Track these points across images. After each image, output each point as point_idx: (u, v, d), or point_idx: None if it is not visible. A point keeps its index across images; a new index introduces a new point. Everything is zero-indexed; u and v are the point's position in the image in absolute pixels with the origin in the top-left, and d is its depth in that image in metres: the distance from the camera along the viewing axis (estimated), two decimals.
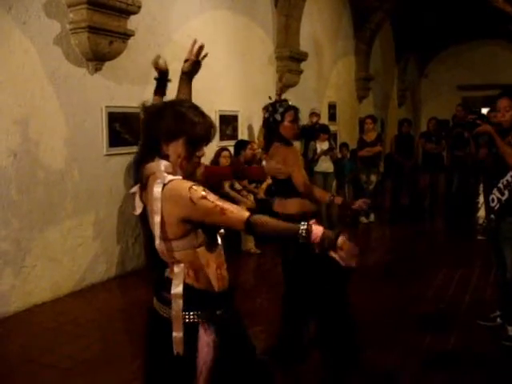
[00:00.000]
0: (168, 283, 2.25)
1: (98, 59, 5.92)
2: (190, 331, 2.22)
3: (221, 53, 8.23)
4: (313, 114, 9.92)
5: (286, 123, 3.97)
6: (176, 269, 2.22)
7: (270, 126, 4.03)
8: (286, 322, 4.05)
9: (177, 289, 2.21)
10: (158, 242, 2.18)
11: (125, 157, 6.49)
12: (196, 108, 2.30)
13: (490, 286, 5.61)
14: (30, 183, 5.39)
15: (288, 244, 3.87)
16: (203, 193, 2.11)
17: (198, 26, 7.68)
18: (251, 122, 8.94)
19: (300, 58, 10.11)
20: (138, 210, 2.32)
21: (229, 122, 8.24)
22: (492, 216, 4.43)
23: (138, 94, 6.64)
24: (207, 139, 2.29)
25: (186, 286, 2.22)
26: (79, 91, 5.89)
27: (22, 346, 4.52)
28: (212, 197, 2.12)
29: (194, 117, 2.23)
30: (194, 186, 2.12)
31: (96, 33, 5.68)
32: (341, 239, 2.05)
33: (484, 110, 11.64)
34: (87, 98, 5.99)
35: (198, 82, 7.53)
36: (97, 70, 6.02)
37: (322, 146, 9.12)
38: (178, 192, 2.12)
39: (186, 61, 3.12)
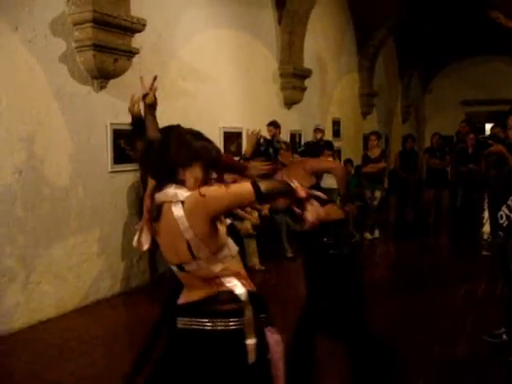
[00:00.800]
0: (221, 297, 2.24)
1: (103, 77, 5.97)
2: (259, 336, 2.25)
3: (225, 70, 8.29)
4: (317, 130, 9.93)
5: (283, 152, 4.46)
6: (227, 281, 2.26)
7: (269, 155, 4.36)
8: (301, 332, 4.03)
9: (244, 296, 2.24)
10: (204, 254, 2.21)
11: (129, 174, 6.52)
12: (200, 133, 2.39)
13: (495, 302, 5.58)
14: (35, 200, 5.42)
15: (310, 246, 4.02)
16: (205, 188, 2.18)
17: (202, 44, 7.75)
18: None
19: (304, 74, 10.16)
20: (146, 246, 2.35)
21: (233, 138, 8.27)
22: (500, 233, 4.42)
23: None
24: (219, 162, 2.39)
25: (249, 292, 2.27)
26: (84, 108, 5.94)
27: (27, 362, 4.53)
28: (213, 186, 2.22)
29: (204, 141, 2.34)
30: (201, 188, 2.19)
31: (101, 51, 5.73)
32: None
33: (488, 126, 11.68)
34: (92, 115, 6.04)
35: (202, 99, 7.60)
36: (102, 87, 6.07)
37: None
38: (193, 199, 2.17)
39: (144, 96, 3.34)
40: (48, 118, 5.55)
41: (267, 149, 4.29)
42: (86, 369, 4.37)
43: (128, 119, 6.40)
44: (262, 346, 2.24)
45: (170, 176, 2.26)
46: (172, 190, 2.22)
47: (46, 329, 5.35)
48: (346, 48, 12.89)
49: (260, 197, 2.17)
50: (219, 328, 2.23)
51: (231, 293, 2.24)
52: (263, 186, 2.17)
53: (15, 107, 5.22)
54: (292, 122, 10.25)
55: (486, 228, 9.29)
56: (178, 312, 2.35)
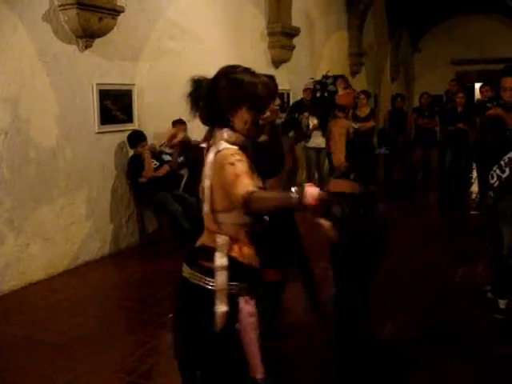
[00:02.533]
0: (208, 252, 2.21)
1: (87, 36, 5.85)
2: (231, 303, 2.18)
3: (212, 29, 8.17)
4: (307, 89, 9.85)
5: (340, 92, 3.93)
6: (219, 240, 2.19)
7: (325, 101, 3.98)
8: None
9: (221, 260, 2.17)
10: (206, 208, 2.20)
11: (116, 134, 6.47)
12: (249, 70, 2.26)
13: (481, 261, 5.64)
14: (21, 162, 5.37)
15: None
16: (236, 160, 2.07)
17: (189, 2, 7.61)
18: None
19: (292, 33, 10.04)
20: None
21: None
22: (490, 193, 4.42)
23: (129, 71, 6.61)
24: (271, 99, 2.29)
25: (230, 259, 2.19)
26: (69, 68, 5.84)
27: (18, 324, 4.54)
28: (241, 166, 2.07)
29: (252, 79, 2.21)
30: (237, 155, 2.10)
31: (85, 9, 5.60)
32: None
33: (477, 85, 11.61)
34: (78, 75, 5.94)
35: (189, 58, 7.45)
36: (87, 46, 5.95)
37: (313, 121, 9.05)
38: (222, 158, 2.12)
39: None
40: (32, 79, 5.45)
41: (323, 94, 3.98)
42: (78, 329, 4.40)
43: (114, 79, 6.36)
44: (233, 314, 2.20)
45: (219, 121, 2.22)
46: (220, 135, 2.20)
47: (36, 290, 5.37)
48: (335, 5, 12.71)
49: (246, 207, 2.00)
50: (198, 282, 2.21)
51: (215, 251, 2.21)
52: (255, 203, 1.96)
53: None
54: (280, 82, 10.05)
55: (475, 187, 9.34)
56: (187, 256, 2.35)
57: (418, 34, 18.15)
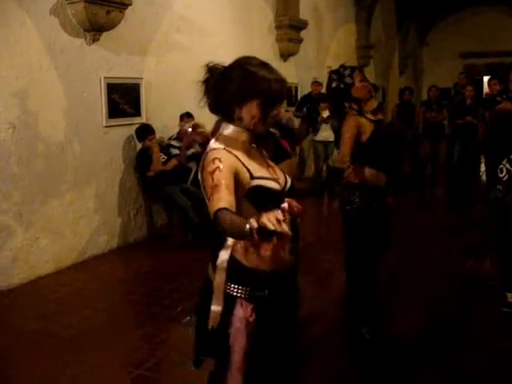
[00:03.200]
0: (220, 248, 2.16)
1: (95, 29, 5.85)
2: (228, 303, 2.13)
3: (219, 22, 8.15)
4: (315, 82, 9.85)
5: (357, 84, 3.85)
6: (228, 240, 2.13)
7: (341, 93, 3.90)
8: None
9: (222, 261, 2.13)
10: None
11: (124, 128, 6.47)
12: (266, 64, 2.16)
13: (489, 254, 5.62)
14: (30, 156, 5.38)
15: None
16: (216, 168, 1.99)
17: None
18: None
19: (300, 26, 10.01)
20: None
21: None
22: (499, 187, 4.40)
23: (136, 65, 6.61)
24: (282, 97, 2.19)
25: (233, 260, 2.13)
26: (77, 62, 5.84)
27: (27, 317, 4.56)
28: (219, 175, 1.98)
29: (267, 74, 2.10)
30: (217, 160, 2.01)
31: (92, 2, 5.60)
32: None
33: (486, 78, 11.55)
34: (85, 69, 5.94)
35: (196, 51, 7.44)
36: (94, 40, 5.95)
37: (322, 114, 9.06)
38: (205, 163, 2.05)
39: None
40: (40, 73, 5.46)
41: (339, 85, 3.89)
42: (86, 322, 4.41)
43: (122, 73, 6.37)
44: (227, 316, 2.13)
45: (225, 112, 2.15)
46: (223, 129, 2.15)
47: (44, 284, 5.39)
48: None
49: (214, 223, 1.88)
50: (209, 276, 2.21)
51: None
52: (218, 222, 1.85)
53: (7, 62, 5.13)
54: (288, 75, 10.03)
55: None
56: None
57: (425, 27, 18.07)
